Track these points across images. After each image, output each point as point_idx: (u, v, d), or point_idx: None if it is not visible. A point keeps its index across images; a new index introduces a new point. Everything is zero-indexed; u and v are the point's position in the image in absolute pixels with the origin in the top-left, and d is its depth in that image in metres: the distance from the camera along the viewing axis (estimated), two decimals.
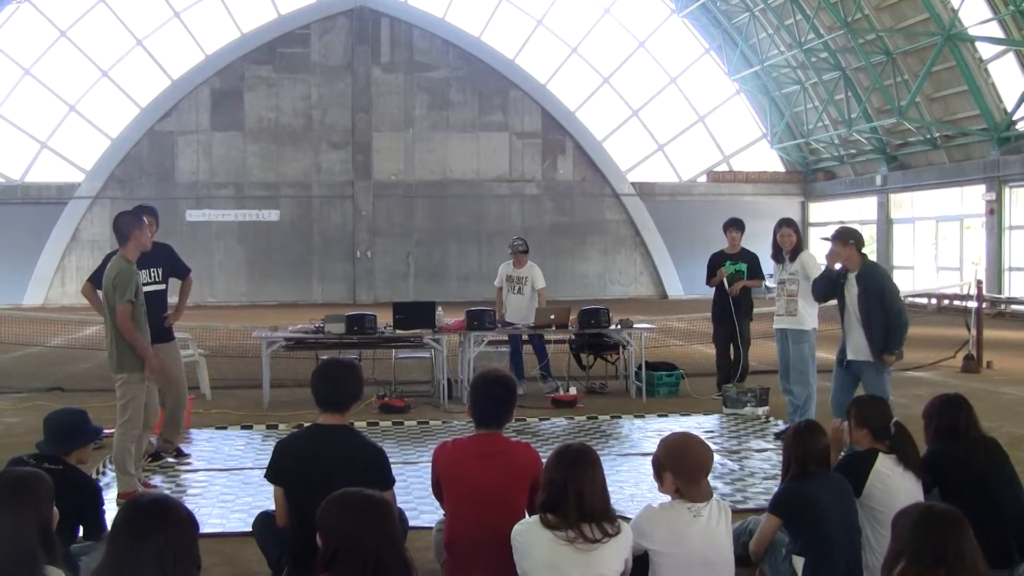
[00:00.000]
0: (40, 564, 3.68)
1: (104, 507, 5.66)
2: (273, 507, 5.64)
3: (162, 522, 3.55)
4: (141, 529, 3.52)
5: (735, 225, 13.38)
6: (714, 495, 5.02)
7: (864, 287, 9.11)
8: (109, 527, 5.01)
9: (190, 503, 8.04)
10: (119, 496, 8.10)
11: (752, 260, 13.15)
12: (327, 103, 36.23)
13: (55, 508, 4.01)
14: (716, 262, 13.30)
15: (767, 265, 10.75)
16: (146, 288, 9.01)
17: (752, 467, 9.37)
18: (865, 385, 9.05)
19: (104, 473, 8.92)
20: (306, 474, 5.21)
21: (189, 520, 3.65)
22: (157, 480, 8.85)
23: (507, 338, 13.91)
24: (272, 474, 5.40)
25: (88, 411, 6.02)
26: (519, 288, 14.00)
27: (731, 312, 12.98)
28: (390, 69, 36.56)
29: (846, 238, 9.19)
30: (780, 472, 5.94)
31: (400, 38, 36.65)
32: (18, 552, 3.66)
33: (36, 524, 3.77)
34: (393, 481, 5.36)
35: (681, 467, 4.89)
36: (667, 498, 4.91)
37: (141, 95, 35.65)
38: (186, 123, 35.61)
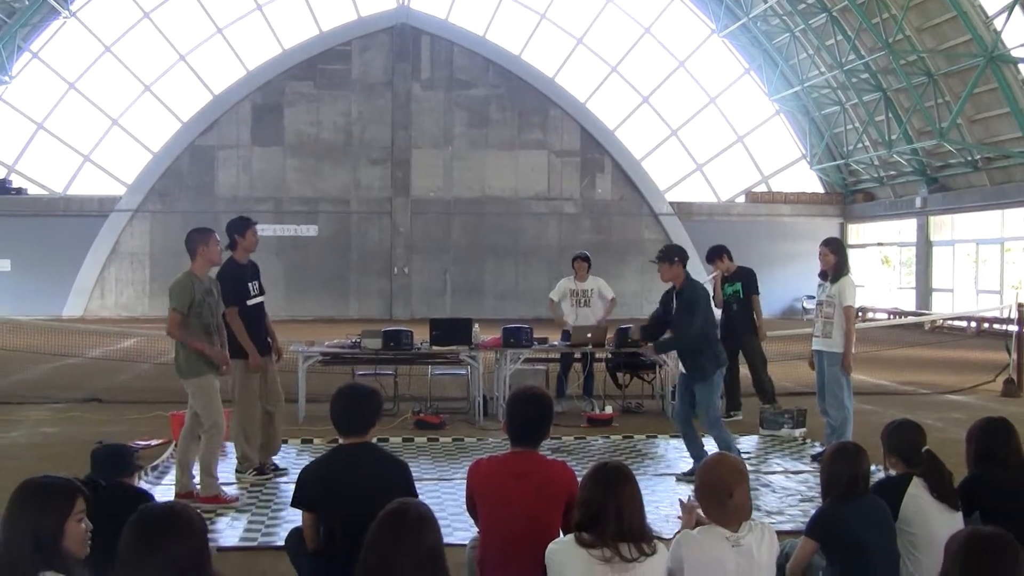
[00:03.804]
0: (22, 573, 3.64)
1: None
2: None
3: (172, 534, 3.53)
4: (151, 541, 3.51)
5: (717, 254, 13.52)
6: (756, 515, 4.93)
7: (679, 303, 9.57)
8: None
9: (224, 516, 8.09)
10: (200, 499, 8.27)
11: (746, 277, 13.32)
12: (367, 119, 36.43)
13: (85, 523, 3.93)
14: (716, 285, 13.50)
15: (809, 286, 10.75)
16: (253, 300, 9.60)
17: (788, 488, 9.28)
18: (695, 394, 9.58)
19: (138, 485, 8.92)
20: (332, 494, 5.21)
21: (200, 529, 3.63)
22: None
23: (543, 356, 13.96)
24: (298, 500, 5.41)
25: (130, 445, 6.13)
26: (585, 301, 14.24)
27: (732, 332, 13.06)
28: (430, 86, 36.73)
29: (671, 257, 9.57)
30: (816, 494, 5.88)
31: (440, 55, 36.81)
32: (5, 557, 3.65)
33: (32, 531, 3.73)
34: (415, 496, 5.34)
35: (702, 486, 4.82)
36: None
37: (183, 110, 36.07)
38: (227, 138, 35.90)
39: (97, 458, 5.88)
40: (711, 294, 13.34)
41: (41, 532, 3.72)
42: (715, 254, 13.53)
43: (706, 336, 9.58)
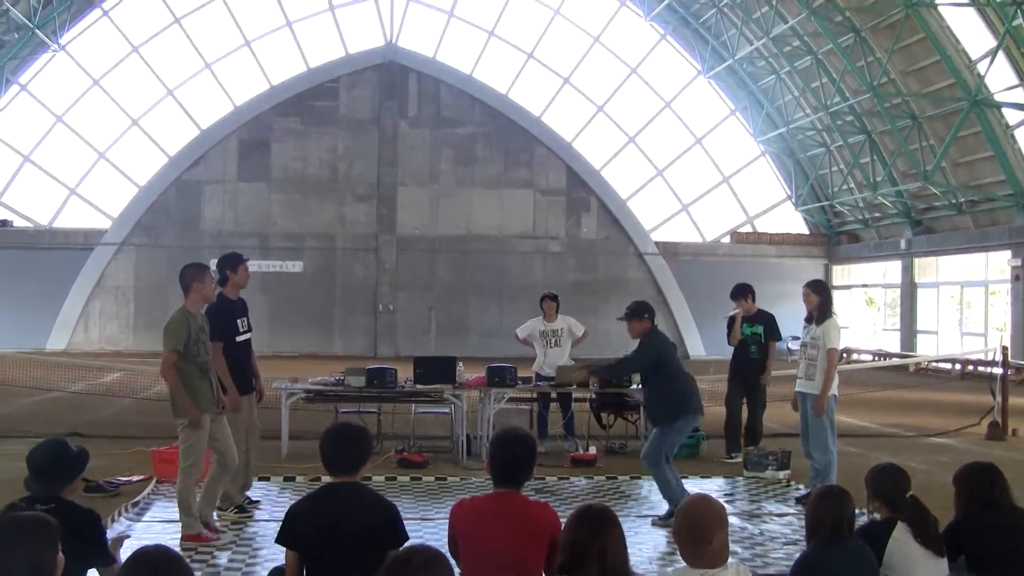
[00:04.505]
0: None
1: (107, 537, 5.51)
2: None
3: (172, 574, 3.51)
4: None
5: (741, 293, 13.45)
6: (733, 559, 4.86)
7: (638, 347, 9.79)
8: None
9: (203, 555, 8.01)
10: (183, 538, 8.18)
11: (768, 321, 13.23)
12: (353, 156, 36.48)
13: (61, 554, 3.89)
14: (730, 325, 13.41)
15: (795, 327, 10.78)
16: (241, 337, 9.58)
17: (772, 531, 9.25)
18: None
19: (119, 520, 8.86)
20: (318, 533, 5.15)
21: (190, 570, 3.63)
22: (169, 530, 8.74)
23: (528, 395, 13.90)
24: (284, 538, 5.32)
25: (69, 441, 5.70)
26: (555, 341, 14.14)
27: (746, 373, 13.08)
28: (417, 124, 36.82)
29: (640, 313, 9.75)
30: (800, 537, 5.83)
31: (427, 93, 36.94)
32: None
33: (28, 571, 3.67)
34: (406, 537, 5.28)
35: (681, 528, 4.72)
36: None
37: (170, 144, 36.03)
38: (213, 172, 35.90)
39: (35, 463, 5.36)
40: (729, 329, 13.37)
41: (43, 563, 3.69)
42: (740, 292, 13.42)
43: (671, 382, 9.63)
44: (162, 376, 8.43)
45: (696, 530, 4.59)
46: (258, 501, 9.80)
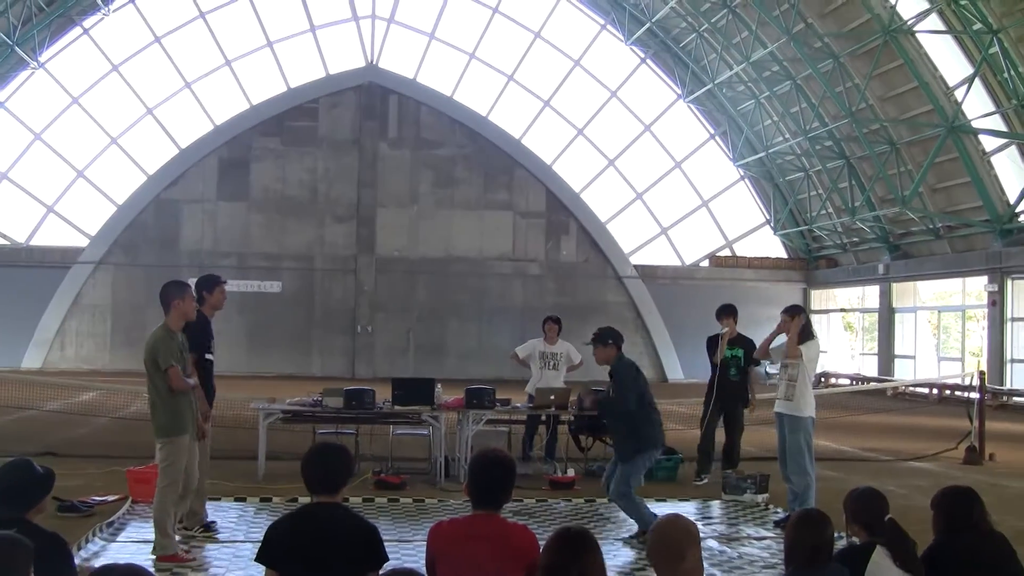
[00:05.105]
0: None
1: (74, 560, 5.40)
2: None
3: None
4: None
5: (727, 312, 13.41)
6: None
7: (615, 381, 9.84)
8: None
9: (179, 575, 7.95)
10: (157, 559, 8.13)
11: (748, 346, 13.20)
12: (333, 176, 36.45)
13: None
14: (714, 344, 13.35)
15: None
16: (210, 356, 9.55)
17: (751, 555, 9.22)
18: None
19: (93, 541, 8.77)
20: (297, 552, 5.11)
21: None
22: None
23: (508, 417, 13.88)
24: (264, 557, 5.28)
25: (31, 460, 5.51)
26: (553, 364, 14.33)
27: (726, 395, 13.06)
28: (397, 145, 36.83)
29: (605, 339, 9.80)
30: (778, 561, 5.81)
31: (408, 115, 36.96)
32: None
33: None
34: (386, 559, 5.25)
35: (654, 547, 4.71)
36: None
37: (149, 163, 35.93)
38: (192, 192, 35.80)
39: (1, 485, 5.18)
40: (713, 348, 13.32)
41: None
42: (725, 312, 13.37)
43: (636, 416, 9.60)
44: (179, 390, 8.39)
45: (669, 548, 4.57)
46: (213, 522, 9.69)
